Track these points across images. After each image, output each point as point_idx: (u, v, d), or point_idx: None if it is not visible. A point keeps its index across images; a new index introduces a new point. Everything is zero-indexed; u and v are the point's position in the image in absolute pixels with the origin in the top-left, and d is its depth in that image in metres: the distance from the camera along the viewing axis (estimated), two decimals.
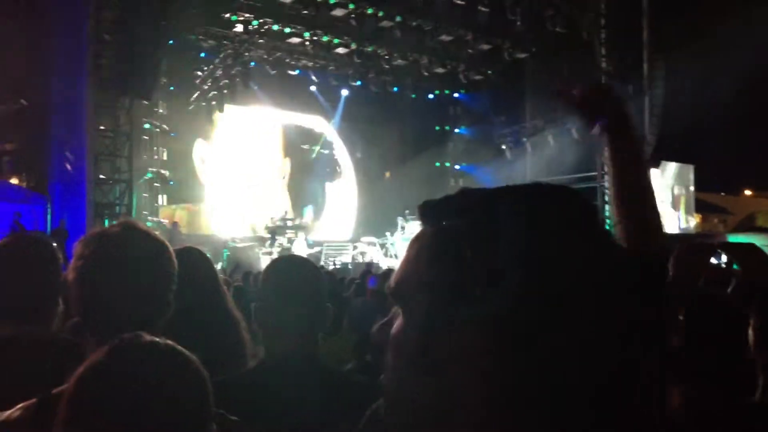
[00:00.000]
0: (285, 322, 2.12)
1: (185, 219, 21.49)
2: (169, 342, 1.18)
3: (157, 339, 1.18)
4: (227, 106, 22.67)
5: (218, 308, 2.67)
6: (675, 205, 25.64)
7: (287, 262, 2.39)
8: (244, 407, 1.82)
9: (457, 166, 27.93)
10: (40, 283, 2.17)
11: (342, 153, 26.86)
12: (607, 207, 15.66)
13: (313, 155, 26.47)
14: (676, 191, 25.68)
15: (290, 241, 20.47)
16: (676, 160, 25.30)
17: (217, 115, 22.72)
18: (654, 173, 23.88)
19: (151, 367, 1.13)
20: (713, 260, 2.10)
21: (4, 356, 2.04)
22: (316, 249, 21.15)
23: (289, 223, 21.18)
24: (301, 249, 20.09)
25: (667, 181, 25.19)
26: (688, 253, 2.00)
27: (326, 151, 26.69)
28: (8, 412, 1.54)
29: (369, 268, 12.82)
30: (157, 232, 1.81)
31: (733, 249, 1.98)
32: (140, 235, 1.70)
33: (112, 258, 1.63)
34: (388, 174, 21.74)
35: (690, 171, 26.33)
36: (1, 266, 2.15)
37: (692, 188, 26.55)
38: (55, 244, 2.32)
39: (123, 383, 1.11)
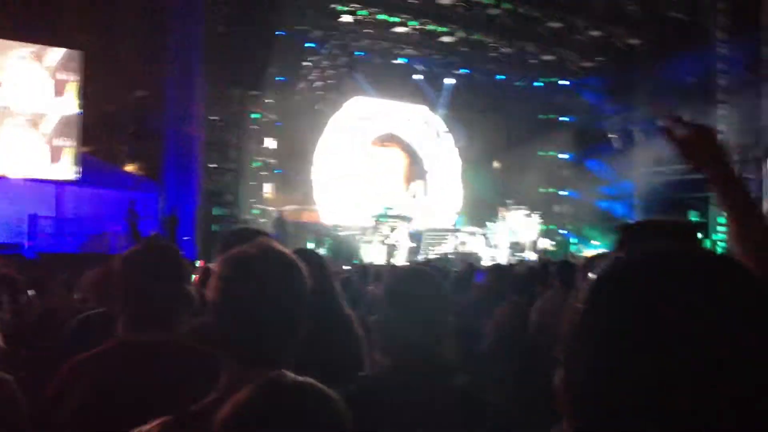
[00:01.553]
0: (408, 337, 2.12)
1: (290, 205, 21.86)
2: (311, 381, 1.20)
3: (300, 379, 1.20)
4: (340, 97, 23.10)
5: (337, 316, 2.69)
6: None
7: (407, 276, 2.38)
8: (370, 423, 1.82)
9: (562, 156, 27.32)
10: (171, 290, 2.22)
11: (447, 141, 26.76)
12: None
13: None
14: None
15: (392, 229, 20.57)
16: None
17: (323, 106, 23.04)
18: None
19: (296, 409, 1.16)
20: None
21: (144, 362, 2.11)
22: (415, 242, 21.15)
23: (393, 213, 21.26)
24: (402, 239, 20.18)
25: None
26: None
27: (462, 144, 26.63)
28: (145, 427, 1.58)
29: (471, 262, 12.66)
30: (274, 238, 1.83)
31: None
32: (278, 258, 1.73)
33: (252, 281, 1.66)
34: (496, 164, 21.36)
35: None
36: (134, 273, 2.21)
37: None
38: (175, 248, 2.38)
39: (270, 426, 1.13)
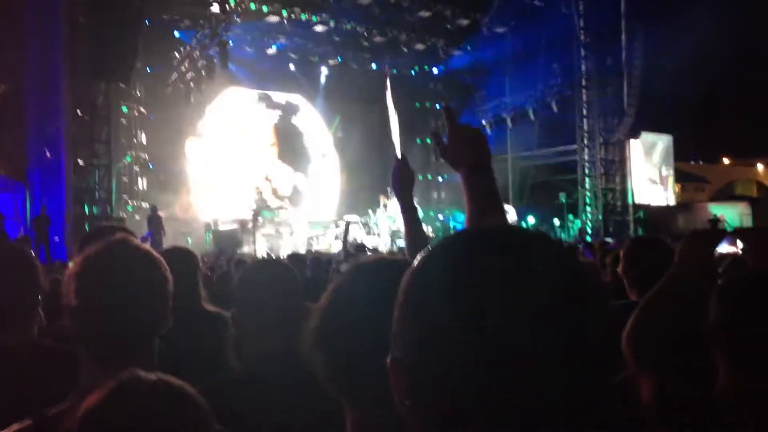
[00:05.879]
0: (263, 327, 2.12)
1: (165, 201, 21.22)
2: (165, 378, 1.19)
3: (153, 376, 1.18)
4: (213, 88, 22.57)
5: (197, 313, 2.68)
6: (663, 184, 25.92)
7: (259, 267, 2.39)
8: (233, 415, 1.81)
9: None
10: (18, 292, 2.15)
11: (323, 132, 26.75)
12: (587, 180, 15.68)
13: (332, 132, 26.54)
14: (663, 172, 25.91)
15: (274, 222, 20.40)
16: (655, 131, 25.48)
17: (198, 97, 22.42)
18: (637, 148, 24.09)
19: (150, 408, 1.14)
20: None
21: None
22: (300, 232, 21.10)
23: (272, 205, 21.11)
24: (286, 231, 20.07)
25: (653, 160, 25.41)
26: (694, 240, 2.01)
27: (340, 135, 26.56)
28: None
29: (349, 249, 12.74)
30: (143, 244, 1.79)
31: (746, 234, 1.99)
32: (134, 254, 1.69)
33: (107, 279, 1.63)
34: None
35: (671, 145, 26.55)
36: None
37: (672, 162, 26.86)
38: (32, 251, 2.30)
39: (126, 425, 1.12)
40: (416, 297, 0.80)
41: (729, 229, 2.30)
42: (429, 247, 0.85)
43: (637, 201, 23.80)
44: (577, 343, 0.74)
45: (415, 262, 0.84)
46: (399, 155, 2.23)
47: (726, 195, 33.56)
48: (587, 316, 0.77)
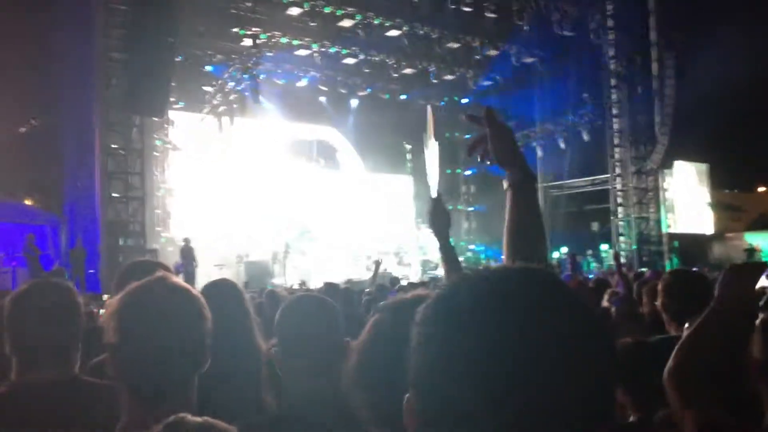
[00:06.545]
0: (306, 365, 2.09)
1: (198, 232, 21.36)
2: (211, 422, 1.18)
3: (200, 420, 1.18)
4: (243, 121, 22.76)
5: (248, 350, 2.61)
6: (698, 213, 25.70)
7: (300, 303, 2.34)
8: None
9: (467, 173, 27.90)
10: (62, 330, 2.16)
11: (353, 162, 26.85)
12: (620, 209, 15.42)
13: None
14: (699, 200, 25.68)
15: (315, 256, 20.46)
16: (689, 159, 25.24)
17: (229, 131, 22.66)
18: (671, 176, 23.82)
19: None
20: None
21: (35, 403, 2.04)
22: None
23: (304, 236, 21.16)
24: (331, 260, 20.07)
25: (688, 189, 25.16)
26: (734, 275, 1.98)
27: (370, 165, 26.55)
28: None
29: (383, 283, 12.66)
30: (178, 279, 1.80)
31: None
32: (173, 292, 1.70)
33: (147, 318, 1.63)
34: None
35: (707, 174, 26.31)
36: (23, 314, 2.14)
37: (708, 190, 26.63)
38: (76, 289, 2.31)
39: None
40: (423, 332, 0.83)
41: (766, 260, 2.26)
42: (446, 284, 0.87)
43: (673, 230, 23.50)
44: (583, 388, 0.75)
45: (432, 297, 0.86)
46: (434, 194, 2.21)
47: (762, 224, 32.99)
48: (594, 364, 0.77)
